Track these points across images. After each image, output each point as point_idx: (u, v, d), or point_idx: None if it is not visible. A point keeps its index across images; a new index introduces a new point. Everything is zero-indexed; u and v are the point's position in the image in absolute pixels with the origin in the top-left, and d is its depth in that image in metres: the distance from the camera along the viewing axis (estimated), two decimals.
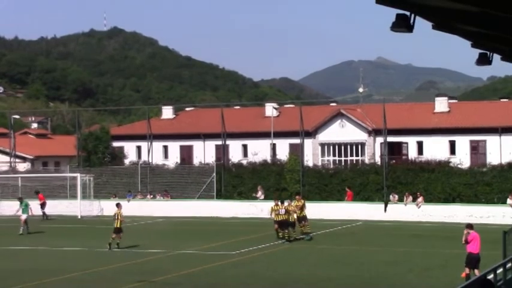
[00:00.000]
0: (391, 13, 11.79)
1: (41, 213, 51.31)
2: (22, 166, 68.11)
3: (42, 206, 51.94)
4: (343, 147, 66.39)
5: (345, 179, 52.48)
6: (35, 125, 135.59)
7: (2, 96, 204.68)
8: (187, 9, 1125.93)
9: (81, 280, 25.92)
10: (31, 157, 73.91)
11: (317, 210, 48.85)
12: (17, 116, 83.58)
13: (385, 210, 48.66)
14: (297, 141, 59.27)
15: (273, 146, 66.37)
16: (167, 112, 79.03)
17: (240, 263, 29.44)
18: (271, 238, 36.84)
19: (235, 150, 67.44)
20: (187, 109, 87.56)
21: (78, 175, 54.83)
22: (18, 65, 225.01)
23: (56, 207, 53.77)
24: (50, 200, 54.26)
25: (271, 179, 54.25)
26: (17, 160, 67.77)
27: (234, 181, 55.43)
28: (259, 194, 52.38)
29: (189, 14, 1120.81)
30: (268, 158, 59.50)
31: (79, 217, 51.51)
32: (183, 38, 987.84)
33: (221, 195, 54.51)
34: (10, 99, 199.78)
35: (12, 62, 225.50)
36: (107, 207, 52.23)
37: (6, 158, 65.92)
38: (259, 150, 64.38)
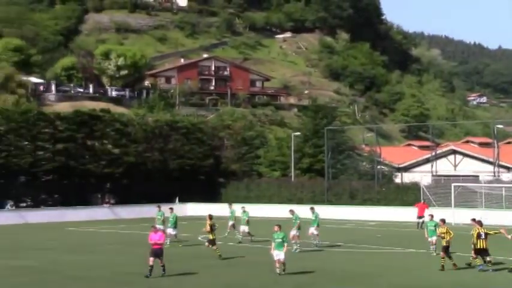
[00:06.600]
0: None
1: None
2: (506, 176, 67.70)
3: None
4: None
5: None
6: None
7: (485, 106, 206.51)
8: None
9: None
10: None
11: None
12: (500, 126, 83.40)
13: None
14: None
15: None
16: None
17: None
18: None
19: None
20: None
21: None
22: (502, 75, 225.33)
23: None
24: None
25: None
26: (501, 169, 67.57)
27: None
28: None
29: None
30: None
31: None
32: None
33: None
34: (494, 108, 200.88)
35: (496, 72, 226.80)
36: None
37: (490, 168, 66.16)
38: None
